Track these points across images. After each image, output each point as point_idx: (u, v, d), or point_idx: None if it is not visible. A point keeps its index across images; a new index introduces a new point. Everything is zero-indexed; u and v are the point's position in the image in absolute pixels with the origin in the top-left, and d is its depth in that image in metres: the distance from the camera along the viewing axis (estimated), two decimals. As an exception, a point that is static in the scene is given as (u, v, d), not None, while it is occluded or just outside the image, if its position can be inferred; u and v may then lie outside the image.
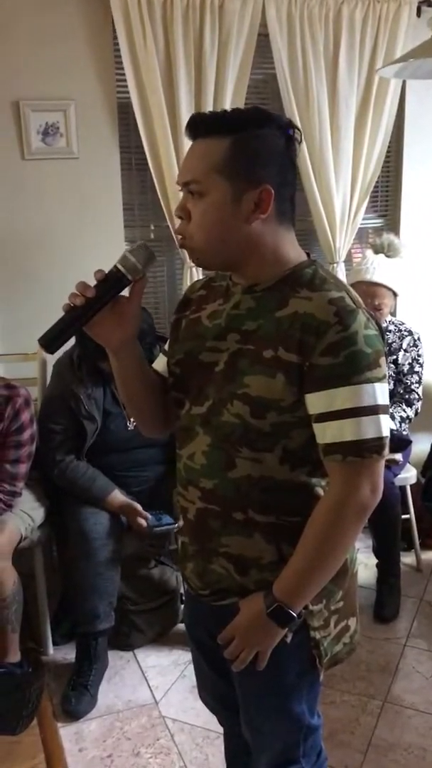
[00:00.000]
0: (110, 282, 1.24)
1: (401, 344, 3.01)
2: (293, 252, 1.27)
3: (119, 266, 1.24)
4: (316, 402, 1.18)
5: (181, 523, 1.41)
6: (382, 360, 1.19)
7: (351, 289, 1.26)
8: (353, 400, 1.16)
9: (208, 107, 2.78)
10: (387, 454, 1.21)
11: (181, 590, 2.60)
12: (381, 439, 1.19)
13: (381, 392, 1.18)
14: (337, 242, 3.10)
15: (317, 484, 1.27)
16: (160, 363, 1.44)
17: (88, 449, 2.54)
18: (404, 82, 3.09)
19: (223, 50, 2.77)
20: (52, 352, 1.25)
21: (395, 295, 2.93)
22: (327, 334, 1.15)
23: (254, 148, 1.19)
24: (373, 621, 2.79)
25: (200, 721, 2.22)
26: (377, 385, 1.17)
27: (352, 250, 3.37)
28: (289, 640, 1.30)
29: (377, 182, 3.17)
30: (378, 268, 2.87)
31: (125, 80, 2.75)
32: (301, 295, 1.21)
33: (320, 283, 1.22)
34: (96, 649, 2.44)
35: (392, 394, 3.02)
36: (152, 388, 1.40)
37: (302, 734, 1.41)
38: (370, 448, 1.18)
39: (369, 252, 2.99)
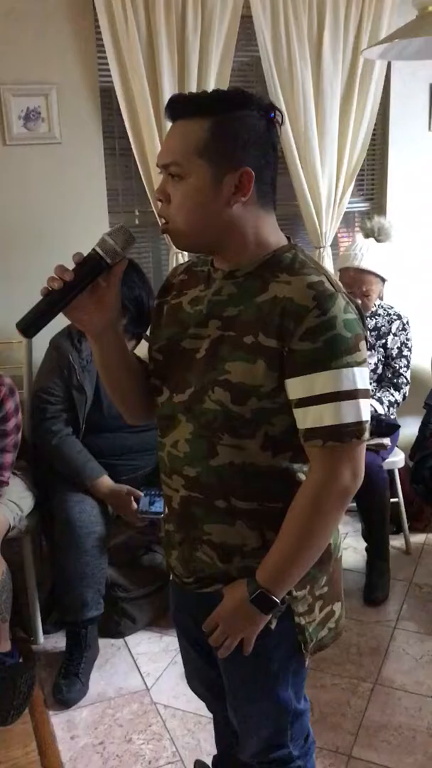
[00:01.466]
0: (89, 266, 1.22)
1: (390, 328, 3.00)
2: (274, 236, 1.26)
3: (98, 249, 1.22)
4: (295, 387, 1.17)
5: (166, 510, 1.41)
6: (362, 344, 1.18)
7: (331, 272, 1.25)
8: (332, 385, 1.15)
9: (191, 90, 2.74)
10: (367, 438, 1.21)
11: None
12: (361, 423, 1.18)
13: (361, 376, 1.17)
14: (323, 226, 3.08)
15: (299, 469, 1.26)
16: (143, 349, 1.43)
17: (84, 431, 2.53)
18: (389, 64, 3.07)
19: (206, 33, 2.74)
20: (29, 337, 1.24)
21: (383, 280, 2.92)
22: (306, 318, 1.15)
23: (235, 129, 1.17)
24: (362, 604, 2.80)
25: (192, 707, 2.23)
26: (356, 369, 1.16)
27: (339, 234, 3.36)
28: (273, 626, 1.30)
29: (363, 165, 3.15)
30: (366, 254, 2.85)
31: (107, 64, 2.72)
32: (281, 280, 1.20)
33: (300, 267, 1.21)
34: (86, 637, 2.44)
35: (380, 379, 3.03)
36: (134, 374, 1.39)
37: (289, 719, 1.42)
38: (350, 432, 1.17)
39: (359, 237, 2.97)
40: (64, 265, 1.21)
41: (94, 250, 1.22)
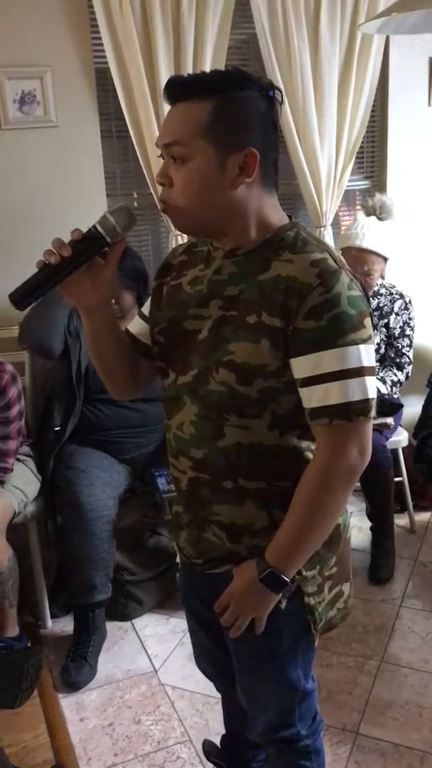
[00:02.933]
0: (87, 243, 1.20)
1: (393, 307, 2.99)
2: (275, 215, 1.24)
3: (98, 227, 1.20)
4: (301, 366, 1.16)
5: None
6: (367, 321, 1.17)
7: (334, 249, 1.24)
8: (338, 363, 1.14)
9: (188, 70, 2.72)
10: (374, 415, 1.20)
11: (178, 559, 2.61)
12: (367, 401, 1.17)
13: (366, 354, 1.16)
14: (323, 205, 3.06)
15: (307, 448, 1.26)
16: (135, 325, 1.42)
17: (84, 395, 2.55)
18: (388, 38, 3.02)
19: (202, 10, 2.70)
20: (21, 309, 1.23)
21: (385, 260, 2.90)
22: (310, 296, 1.13)
23: (237, 110, 1.15)
24: (368, 583, 2.81)
25: (199, 688, 2.24)
26: (362, 346, 1.15)
27: (340, 213, 3.33)
28: (283, 606, 1.30)
29: (362, 143, 3.12)
30: (368, 233, 2.83)
31: (102, 45, 2.68)
32: (283, 258, 1.19)
33: (302, 245, 1.20)
34: (94, 620, 2.45)
35: (383, 358, 3.02)
36: (123, 353, 1.38)
37: (297, 699, 1.43)
38: (357, 410, 1.16)
39: (360, 215, 2.94)
40: (61, 239, 1.19)
41: (94, 227, 1.21)
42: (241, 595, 1.28)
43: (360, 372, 1.15)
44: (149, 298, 1.41)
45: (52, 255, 1.18)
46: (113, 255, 1.24)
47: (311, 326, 1.14)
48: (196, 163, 1.16)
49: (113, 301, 2.49)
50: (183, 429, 1.30)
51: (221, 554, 1.33)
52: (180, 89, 1.17)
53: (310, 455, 1.26)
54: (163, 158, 1.20)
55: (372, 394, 1.18)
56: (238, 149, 1.16)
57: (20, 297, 1.20)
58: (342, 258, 1.22)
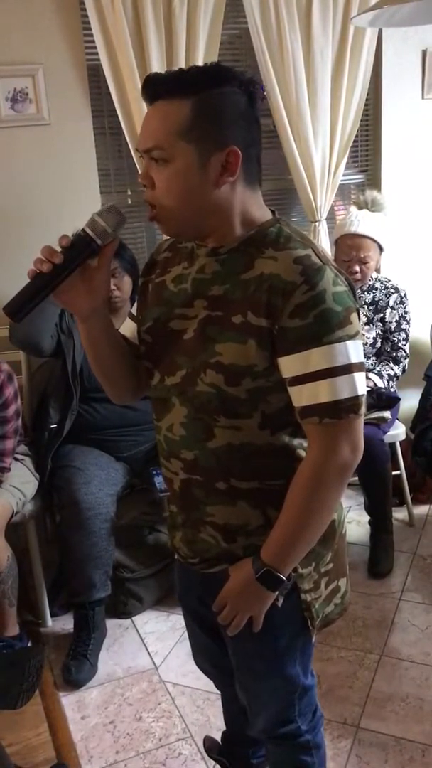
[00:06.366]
0: (78, 247, 1.18)
1: (388, 301, 2.99)
2: (259, 212, 1.23)
3: (88, 230, 1.18)
4: (288, 365, 1.16)
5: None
6: (354, 316, 1.16)
7: (318, 244, 1.22)
8: (326, 361, 1.13)
9: (180, 65, 2.70)
10: (364, 412, 1.19)
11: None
12: (357, 398, 1.16)
13: (354, 350, 1.15)
14: (318, 200, 3.05)
15: (299, 446, 1.26)
16: (128, 328, 1.41)
17: (80, 395, 2.55)
18: (380, 32, 3.01)
19: (193, 5, 2.68)
20: (18, 321, 1.21)
21: (381, 249, 2.90)
22: (294, 294, 1.12)
23: (218, 108, 1.13)
24: (367, 577, 2.82)
25: (200, 684, 2.25)
26: (350, 342, 1.14)
27: (335, 207, 3.33)
28: (280, 603, 1.30)
29: (357, 136, 3.11)
30: (362, 221, 2.84)
31: (94, 42, 2.67)
32: (266, 255, 1.18)
33: (285, 241, 1.19)
34: (93, 618, 2.45)
35: (380, 352, 3.02)
36: (121, 356, 1.37)
37: (297, 695, 1.43)
38: (347, 407, 1.16)
39: (352, 208, 2.96)
40: (52, 247, 1.17)
41: (84, 230, 1.19)
42: (237, 594, 1.29)
43: (348, 369, 1.14)
44: (138, 298, 1.40)
45: (44, 263, 1.16)
46: (105, 257, 1.22)
47: (297, 325, 1.13)
48: (178, 164, 1.14)
49: (115, 288, 2.51)
50: (173, 431, 1.29)
51: (217, 554, 1.33)
52: (159, 88, 1.14)
53: (302, 453, 1.25)
54: (144, 160, 1.19)
55: (361, 391, 1.17)
56: (219, 148, 1.14)
57: (15, 309, 1.18)
58: (327, 254, 1.21)
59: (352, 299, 1.17)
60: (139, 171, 2.73)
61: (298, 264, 1.14)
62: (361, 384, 1.17)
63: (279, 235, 1.20)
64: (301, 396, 1.17)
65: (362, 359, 1.18)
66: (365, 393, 1.19)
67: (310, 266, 1.14)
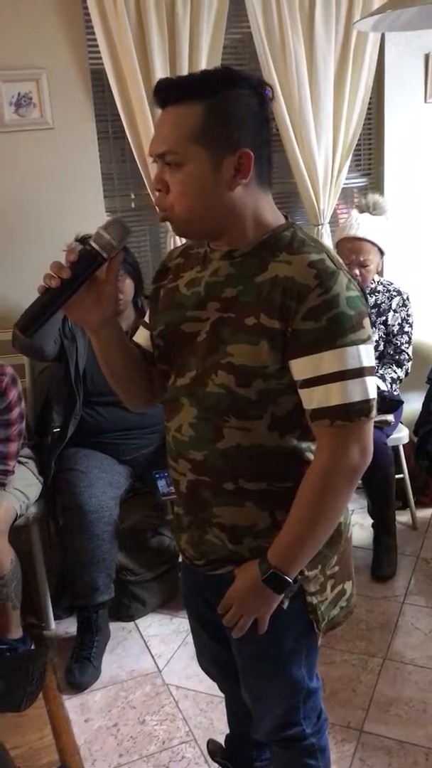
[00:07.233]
0: (85, 262, 1.20)
1: (390, 305, 2.99)
2: (272, 215, 1.24)
3: (93, 245, 1.20)
4: (300, 367, 1.17)
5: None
6: (366, 321, 1.17)
7: (331, 250, 1.24)
8: (338, 364, 1.14)
9: (183, 69, 2.72)
10: (375, 415, 1.20)
11: (180, 559, 2.61)
12: (368, 401, 1.17)
13: (366, 354, 1.16)
14: (321, 203, 3.05)
15: (307, 449, 1.26)
16: (141, 336, 1.42)
17: (83, 399, 2.55)
18: (383, 36, 3.02)
19: (197, 9, 2.69)
20: (29, 337, 1.23)
21: (381, 253, 2.91)
22: (308, 297, 1.14)
23: (229, 111, 1.15)
24: (370, 580, 2.82)
25: (204, 687, 2.25)
26: (362, 347, 1.16)
27: (338, 211, 3.33)
28: (286, 606, 1.30)
29: (359, 140, 3.11)
30: (363, 224, 2.85)
31: (97, 46, 2.68)
32: (281, 259, 1.19)
33: (299, 245, 1.20)
34: (96, 621, 2.45)
35: (382, 355, 3.02)
36: (134, 364, 1.38)
37: (302, 697, 1.43)
38: (358, 411, 1.17)
39: (354, 211, 2.97)
40: (60, 262, 1.19)
41: (89, 245, 1.21)
42: (243, 595, 1.29)
43: (360, 372, 1.16)
44: (149, 304, 1.41)
45: (53, 279, 1.18)
46: (112, 269, 1.24)
47: (310, 327, 1.14)
48: (191, 168, 1.16)
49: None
50: (182, 431, 1.30)
51: (223, 555, 1.33)
52: (171, 92, 1.16)
53: (310, 456, 1.26)
54: (157, 164, 1.20)
55: (372, 395, 1.18)
56: (232, 151, 1.15)
57: (26, 324, 1.20)
58: (340, 258, 1.22)
59: (364, 304, 1.18)
60: (143, 175, 2.79)
61: (313, 268, 1.15)
62: (372, 388, 1.18)
63: (293, 239, 1.22)
64: (312, 398, 1.17)
65: (373, 363, 1.19)
66: (376, 397, 1.19)
67: (325, 270, 1.15)
